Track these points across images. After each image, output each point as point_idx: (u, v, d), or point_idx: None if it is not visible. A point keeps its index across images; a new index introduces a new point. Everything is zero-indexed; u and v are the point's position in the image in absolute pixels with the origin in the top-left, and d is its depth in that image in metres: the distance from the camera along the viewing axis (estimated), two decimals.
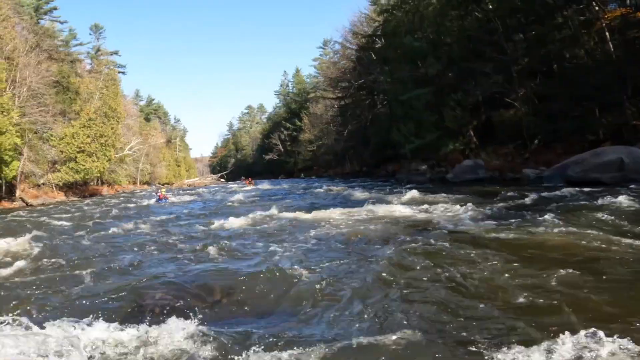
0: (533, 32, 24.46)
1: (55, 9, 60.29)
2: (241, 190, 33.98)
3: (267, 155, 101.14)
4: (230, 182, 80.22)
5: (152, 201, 25.99)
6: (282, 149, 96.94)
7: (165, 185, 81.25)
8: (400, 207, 12.68)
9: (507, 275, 5.44)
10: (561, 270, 5.27)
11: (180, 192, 41.25)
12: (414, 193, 16.46)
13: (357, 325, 4.36)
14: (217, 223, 12.19)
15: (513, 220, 9.14)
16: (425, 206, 12.47)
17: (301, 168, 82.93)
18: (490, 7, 26.79)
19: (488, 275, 5.50)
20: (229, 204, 20.21)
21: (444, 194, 15.29)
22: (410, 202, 13.92)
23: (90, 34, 75.47)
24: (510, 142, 24.80)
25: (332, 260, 7.02)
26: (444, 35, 30.76)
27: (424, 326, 4.15)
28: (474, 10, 28.34)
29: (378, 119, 42.96)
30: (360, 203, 14.71)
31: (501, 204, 12.04)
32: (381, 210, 12.40)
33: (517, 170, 21.74)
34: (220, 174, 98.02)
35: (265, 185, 43.76)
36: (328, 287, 5.61)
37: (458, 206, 11.97)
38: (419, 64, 31.64)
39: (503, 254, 6.35)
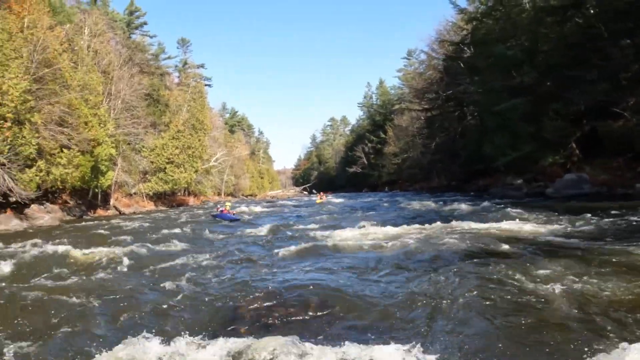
0: None
1: (145, 23, 63.82)
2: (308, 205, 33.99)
3: (350, 168, 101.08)
4: (312, 195, 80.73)
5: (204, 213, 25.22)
6: (366, 162, 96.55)
7: (249, 196, 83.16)
8: (509, 223, 12.10)
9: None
10: None
11: (252, 204, 41.59)
12: (516, 209, 15.74)
13: (453, 341, 4.34)
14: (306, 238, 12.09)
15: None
16: (535, 224, 11.87)
17: (385, 181, 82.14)
18: (592, 11, 25.32)
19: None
20: (309, 219, 20.08)
21: (549, 211, 14.51)
22: (517, 218, 13.20)
23: (177, 48, 78.93)
24: (618, 154, 23.19)
25: (429, 276, 6.82)
26: (540, 42, 29.39)
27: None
28: (573, 15, 26.89)
29: (468, 131, 41.77)
30: (458, 218, 14.20)
31: (619, 221, 11.19)
32: (487, 227, 11.90)
33: (628, 185, 20.26)
34: (303, 187, 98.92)
35: (338, 200, 42.90)
36: (422, 303, 5.53)
37: (569, 223, 11.29)
38: (512, 73, 30.40)
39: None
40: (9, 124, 19.78)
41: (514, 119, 28.53)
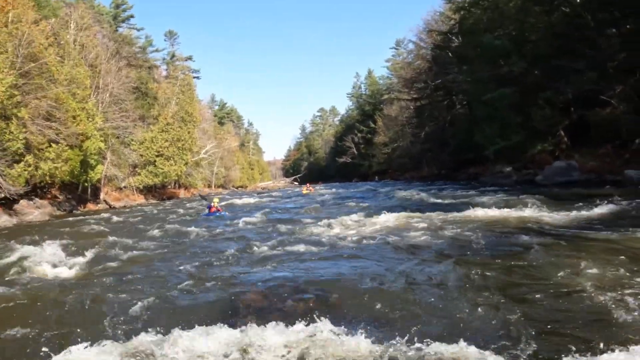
0: (628, 26, 22.99)
1: (132, 16, 63.58)
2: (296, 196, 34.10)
3: (340, 158, 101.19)
4: (303, 186, 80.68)
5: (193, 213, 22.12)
6: (356, 152, 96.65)
7: (239, 188, 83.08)
8: (500, 210, 12.20)
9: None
10: None
11: (244, 195, 41.60)
12: (507, 196, 15.90)
13: (461, 329, 4.36)
14: (294, 229, 12.08)
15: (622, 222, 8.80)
16: (527, 209, 11.97)
17: (375, 171, 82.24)
18: (579, 1, 25.41)
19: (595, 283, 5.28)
20: (301, 211, 20.09)
21: (539, 196, 14.60)
22: (509, 205, 13.27)
23: (165, 40, 78.54)
24: (606, 142, 23.39)
25: (427, 265, 6.89)
26: (528, 32, 29.49)
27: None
28: (560, 5, 26.99)
29: (457, 120, 41.91)
30: (451, 207, 14.28)
31: (610, 206, 11.34)
32: (480, 214, 11.99)
33: (617, 171, 20.45)
34: (293, 177, 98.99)
35: (329, 190, 42.52)
36: (418, 293, 5.55)
37: (560, 209, 11.42)
38: (500, 62, 30.46)
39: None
40: None
41: (502, 108, 28.65)
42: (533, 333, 4.10)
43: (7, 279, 7.68)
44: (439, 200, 18.04)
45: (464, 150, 38.55)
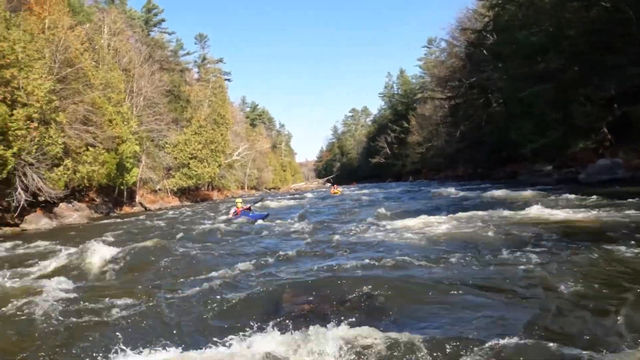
0: None
1: (163, 20, 64.30)
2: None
3: (373, 159, 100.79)
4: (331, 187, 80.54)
5: (223, 218, 19.31)
6: (389, 152, 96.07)
7: (272, 189, 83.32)
8: (549, 211, 11.68)
9: None
10: None
11: (277, 197, 41.65)
12: (553, 195, 15.38)
13: (508, 329, 4.23)
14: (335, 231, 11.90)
15: None
16: (579, 210, 11.50)
17: (409, 171, 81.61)
18: None
19: None
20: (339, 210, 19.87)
21: (590, 196, 14.08)
22: (558, 205, 12.87)
23: (195, 44, 79.36)
24: None
25: (474, 265, 6.71)
26: (565, 28, 28.67)
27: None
28: (599, 0, 26.16)
29: (493, 118, 41.10)
30: (496, 205, 13.91)
31: None
32: (527, 214, 11.63)
33: None
34: (326, 178, 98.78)
35: (363, 190, 42.47)
36: (467, 292, 5.41)
37: (613, 209, 10.96)
38: (537, 59, 29.72)
39: None
40: (35, 124, 19.94)
41: (539, 105, 27.96)
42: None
43: (51, 279, 7.64)
44: (482, 200, 17.62)
45: (500, 149, 37.84)
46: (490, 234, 9.23)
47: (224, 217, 19.01)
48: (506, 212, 12.15)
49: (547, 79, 27.74)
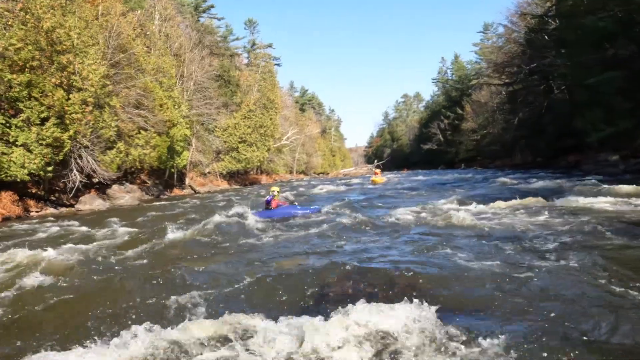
0: None
1: (212, 7, 64.80)
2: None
3: (425, 145, 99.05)
4: (387, 173, 79.77)
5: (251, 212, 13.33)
6: (442, 139, 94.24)
7: (321, 174, 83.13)
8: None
9: None
10: None
11: (326, 182, 41.14)
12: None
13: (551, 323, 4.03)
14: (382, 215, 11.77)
15: None
16: None
17: (463, 158, 79.84)
18: None
19: None
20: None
21: None
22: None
23: (245, 29, 79.99)
24: None
25: (528, 257, 6.36)
26: (636, 13, 26.96)
27: None
28: None
29: (555, 105, 39.37)
30: (563, 195, 13.12)
31: None
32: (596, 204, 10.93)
33: None
34: (376, 164, 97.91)
35: (418, 177, 41.23)
36: (513, 284, 5.18)
37: None
38: (605, 45, 28.11)
39: None
40: (90, 107, 20.34)
41: (608, 92, 26.44)
42: None
43: (101, 257, 8.09)
44: (547, 190, 16.68)
45: (562, 137, 36.25)
46: (555, 223, 8.80)
47: (251, 213, 12.97)
48: (579, 201, 11.51)
49: (616, 66, 26.25)
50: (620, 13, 27.95)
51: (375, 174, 37.71)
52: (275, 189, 14.51)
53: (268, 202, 14.00)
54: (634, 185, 13.64)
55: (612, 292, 4.72)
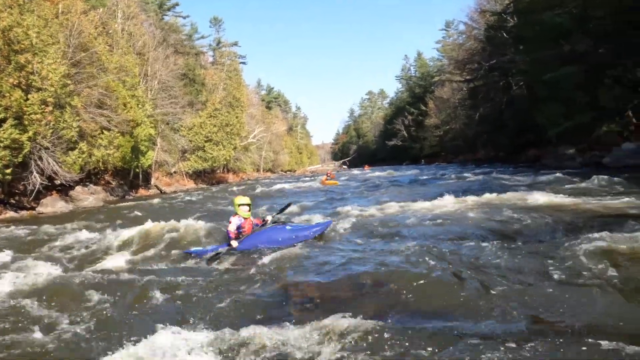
0: None
1: (177, 4, 64.44)
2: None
3: (390, 141, 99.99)
4: (353, 169, 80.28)
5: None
6: (406, 135, 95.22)
7: (288, 172, 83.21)
8: (581, 197, 11.18)
9: None
10: None
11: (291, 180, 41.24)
12: (581, 180, 14.82)
13: (524, 321, 4.19)
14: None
15: None
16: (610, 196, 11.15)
17: (427, 154, 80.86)
18: None
19: None
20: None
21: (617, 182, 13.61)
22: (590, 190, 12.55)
23: (210, 27, 79.26)
24: None
25: (494, 251, 6.55)
26: (592, 8, 27.72)
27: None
28: None
29: (515, 101, 40.24)
30: (522, 190, 13.49)
31: None
32: (556, 199, 11.13)
33: None
34: (342, 161, 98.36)
35: (380, 173, 41.37)
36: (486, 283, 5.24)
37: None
38: (561, 41, 28.84)
39: None
40: (50, 108, 19.90)
41: (566, 87, 27.16)
42: None
43: (65, 264, 8.01)
44: (507, 184, 17.09)
45: (522, 132, 37.08)
46: (511, 219, 9.03)
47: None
48: (535, 196, 11.70)
49: (573, 61, 26.95)
50: (575, 9, 28.74)
51: (328, 175, 31.67)
52: (245, 200, 9.12)
53: (239, 229, 8.74)
54: (586, 181, 14.18)
55: (570, 283, 5.05)
